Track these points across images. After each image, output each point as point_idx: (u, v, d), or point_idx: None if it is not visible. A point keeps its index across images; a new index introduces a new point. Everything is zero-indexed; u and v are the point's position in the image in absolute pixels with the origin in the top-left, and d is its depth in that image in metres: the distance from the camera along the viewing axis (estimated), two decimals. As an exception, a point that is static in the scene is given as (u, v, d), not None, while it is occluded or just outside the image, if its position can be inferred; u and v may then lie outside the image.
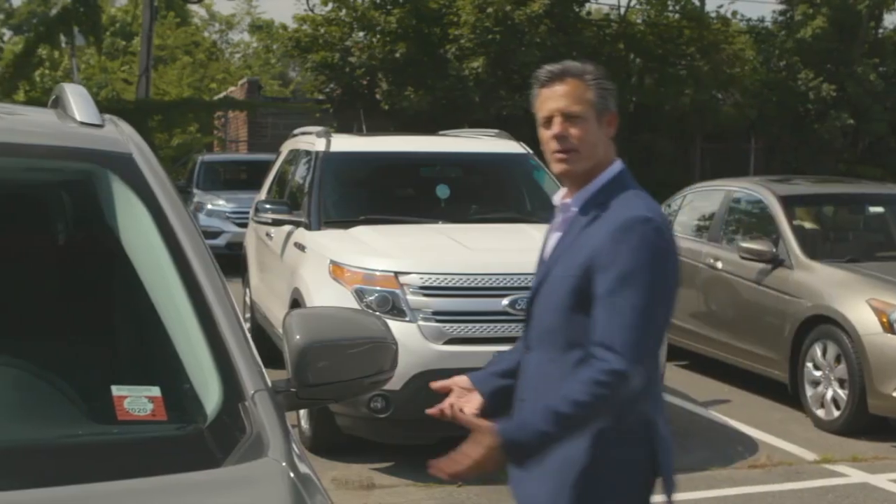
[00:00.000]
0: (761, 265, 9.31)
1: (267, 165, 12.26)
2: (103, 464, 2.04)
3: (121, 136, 2.85)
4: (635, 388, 2.97)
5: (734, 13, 30.19)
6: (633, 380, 2.95)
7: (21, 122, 3.18)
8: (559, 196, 3.33)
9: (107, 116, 3.01)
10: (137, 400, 2.21)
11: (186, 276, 2.43)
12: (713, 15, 27.75)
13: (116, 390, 2.23)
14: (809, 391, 8.64)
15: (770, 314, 9.18)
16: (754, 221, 10.25)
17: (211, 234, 17.11)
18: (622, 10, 27.27)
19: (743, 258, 9.49)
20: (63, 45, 32.52)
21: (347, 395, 2.60)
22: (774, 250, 9.22)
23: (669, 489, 3.18)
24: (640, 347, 2.97)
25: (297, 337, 2.45)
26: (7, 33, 59.96)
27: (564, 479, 3.07)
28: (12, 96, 29.40)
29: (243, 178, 20.61)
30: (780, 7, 29.13)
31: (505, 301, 6.96)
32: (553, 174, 3.37)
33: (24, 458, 2.03)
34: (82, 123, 2.88)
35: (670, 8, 26.76)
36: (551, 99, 3.22)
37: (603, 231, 3.08)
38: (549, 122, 3.22)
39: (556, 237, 3.28)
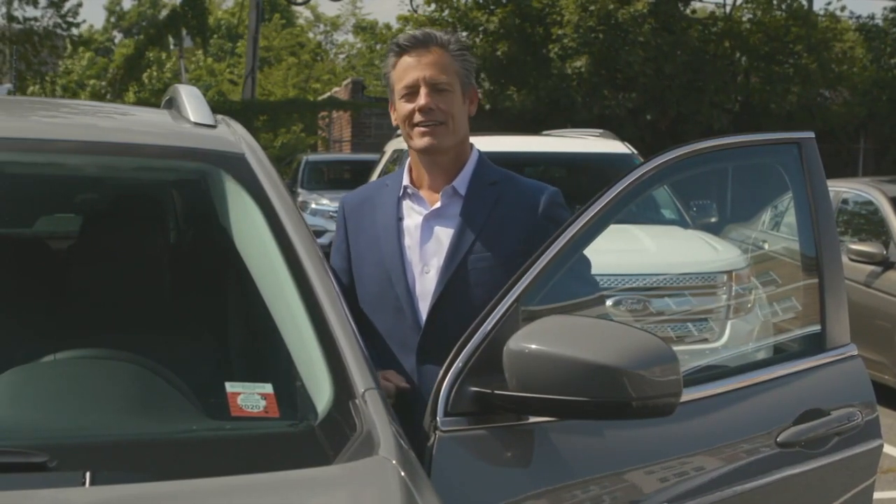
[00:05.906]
0: (871, 267, 9.13)
1: (370, 165, 12.37)
2: (217, 459, 2.07)
3: (233, 136, 2.90)
4: None
5: (843, 8, 29.56)
6: None
7: (137, 122, 3.25)
8: (406, 179, 3.10)
9: (219, 117, 3.06)
10: (250, 397, 2.24)
11: (298, 275, 2.45)
12: (821, 13, 27.23)
13: (230, 387, 2.27)
14: (921, 397, 8.46)
15: (880, 317, 8.99)
16: (864, 223, 10.04)
17: (315, 233, 17.31)
18: (727, 9, 26.92)
19: (852, 260, 9.30)
20: (171, 47, 33.15)
21: (543, 412, 2.45)
22: (885, 252, 9.03)
23: None
24: None
25: (513, 338, 2.39)
26: (118, 36, 61.37)
27: None
28: (122, 97, 30.10)
29: (347, 177, 20.85)
30: (892, 3, 28.42)
31: (609, 302, 6.92)
32: (415, 149, 3.06)
33: (142, 452, 2.07)
34: (196, 124, 2.93)
35: (775, 5, 26.32)
36: (416, 68, 2.99)
37: (525, 210, 3.02)
38: (412, 92, 3.00)
39: (430, 224, 3.05)
